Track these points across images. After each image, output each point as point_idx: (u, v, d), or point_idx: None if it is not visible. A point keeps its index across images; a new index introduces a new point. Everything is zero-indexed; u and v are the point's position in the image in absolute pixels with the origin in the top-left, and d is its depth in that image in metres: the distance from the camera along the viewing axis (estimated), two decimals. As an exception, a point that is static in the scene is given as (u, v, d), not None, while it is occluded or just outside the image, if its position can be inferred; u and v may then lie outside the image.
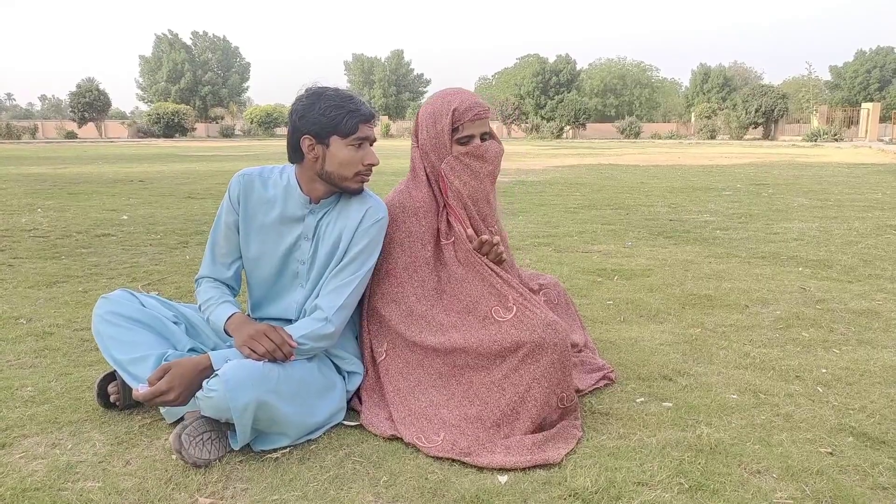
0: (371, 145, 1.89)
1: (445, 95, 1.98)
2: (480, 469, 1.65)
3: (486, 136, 1.99)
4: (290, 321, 1.95)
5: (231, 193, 1.95)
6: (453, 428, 1.78)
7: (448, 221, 2.01)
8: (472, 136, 1.94)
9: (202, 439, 1.65)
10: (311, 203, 1.93)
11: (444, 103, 1.95)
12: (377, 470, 1.65)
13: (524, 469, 1.64)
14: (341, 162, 1.83)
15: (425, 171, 2.01)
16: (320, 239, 1.94)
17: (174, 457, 1.65)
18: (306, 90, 1.87)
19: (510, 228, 5.36)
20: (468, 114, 1.93)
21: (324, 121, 1.80)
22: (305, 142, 1.83)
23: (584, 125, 44.04)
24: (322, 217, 1.94)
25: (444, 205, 2.01)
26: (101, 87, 43.32)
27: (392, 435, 1.80)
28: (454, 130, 1.94)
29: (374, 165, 1.88)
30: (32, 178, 10.37)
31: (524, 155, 18.69)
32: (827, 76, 53.32)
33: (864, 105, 34.54)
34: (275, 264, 1.97)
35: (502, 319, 1.85)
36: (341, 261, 1.90)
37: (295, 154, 1.88)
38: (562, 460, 1.67)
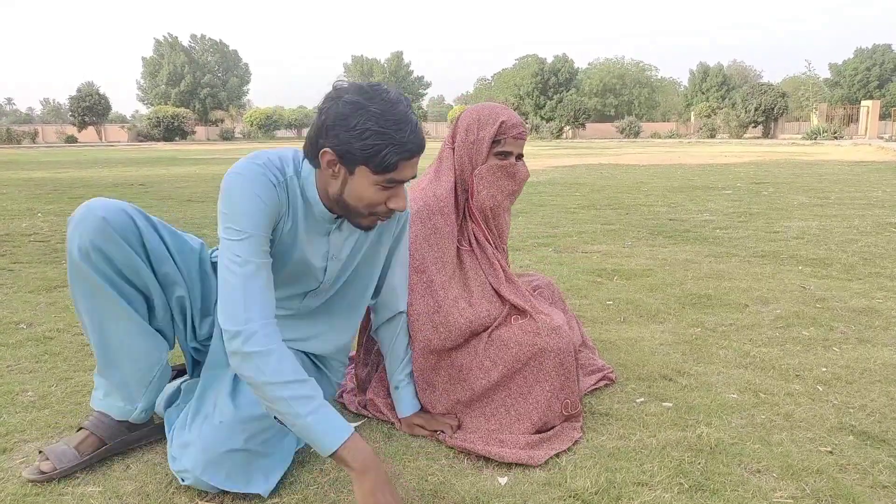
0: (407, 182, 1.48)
1: (493, 107, 1.99)
2: (480, 470, 1.65)
3: (521, 157, 2.02)
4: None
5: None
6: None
7: (469, 229, 2.02)
8: (510, 153, 1.96)
9: None
10: (336, 219, 1.58)
11: (492, 113, 1.95)
12: (377, 472, 1.65)
13: (508, 463, 1.66)
14: (360, 197, 1.44)
15: (455, 172, 1.99)
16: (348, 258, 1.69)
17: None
18: (350, 85, 1.42)
19: (510, 229, 5.36)
20: (513, 130, 1.94)
21: (356, 145, 1.36)
22: (326, 156, 1.41)
23: (583, 125, 44.06)
24: (350, 235, 1.65)
25: (466, 211, 2.01)
26: (101, 91, 43.40)
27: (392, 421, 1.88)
28: (495, 142, 1.94)
29: (397, 211, 1.50)
30: (33, 183, 10.38)
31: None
32: (826, 74, 53.36)
33: (863, 103, 34.53)
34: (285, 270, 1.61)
35: (511, 324, 1.87)
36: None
37: (312, 158, 1.47)
38: (546, 461, 1.67)
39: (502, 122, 1.92)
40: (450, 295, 1.89)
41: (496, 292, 1.94)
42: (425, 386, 1.90)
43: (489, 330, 1.89)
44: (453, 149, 1.99)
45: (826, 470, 1.63)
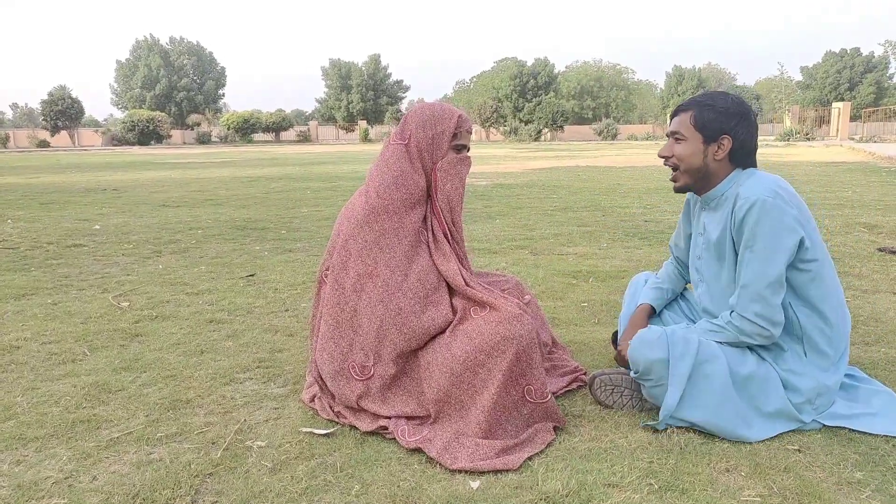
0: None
1: (442, 104, 2.04)
2: (452, 475, 1.65)
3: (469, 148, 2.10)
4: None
5: None
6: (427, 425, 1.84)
7: (430, 224, 2.03)
8: (464, 146, 2.03)
9: (612, 391, 2.00)
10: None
11: (446, 109, 2.00)
12: (349, 480, 1.64)
13: (484, 472, 1.65)
14: None
15: (405, 168, 1.96)
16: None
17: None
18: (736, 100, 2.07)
19: (487, 231, 5.38)
20: (466, 124, 2.03)
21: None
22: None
23: (561, 127, 44.39)
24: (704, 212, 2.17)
25: (429, 205, 2.02)
26: (73, 94, 42.77)
27: (375, 429, 1.86)
28: (453, 136, 1.99)
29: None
30: (3, 189, 10.18)
31: (503, 158, 18.75)
32: (798, 77, 54.27)
33: (834, 105, 35.21)
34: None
35: (474, 317, 1.89)
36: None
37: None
38: (520, 466, 1.68)
39: (459, 117, 1.99)
40: (408, 296, 1.90)
41: (455, 288, 1.95)
42: (401, 392, 1.91)
43: (452, 325, 1.90)
44: (406, 145, 1.98)
45: (794, 468, 1.65)
